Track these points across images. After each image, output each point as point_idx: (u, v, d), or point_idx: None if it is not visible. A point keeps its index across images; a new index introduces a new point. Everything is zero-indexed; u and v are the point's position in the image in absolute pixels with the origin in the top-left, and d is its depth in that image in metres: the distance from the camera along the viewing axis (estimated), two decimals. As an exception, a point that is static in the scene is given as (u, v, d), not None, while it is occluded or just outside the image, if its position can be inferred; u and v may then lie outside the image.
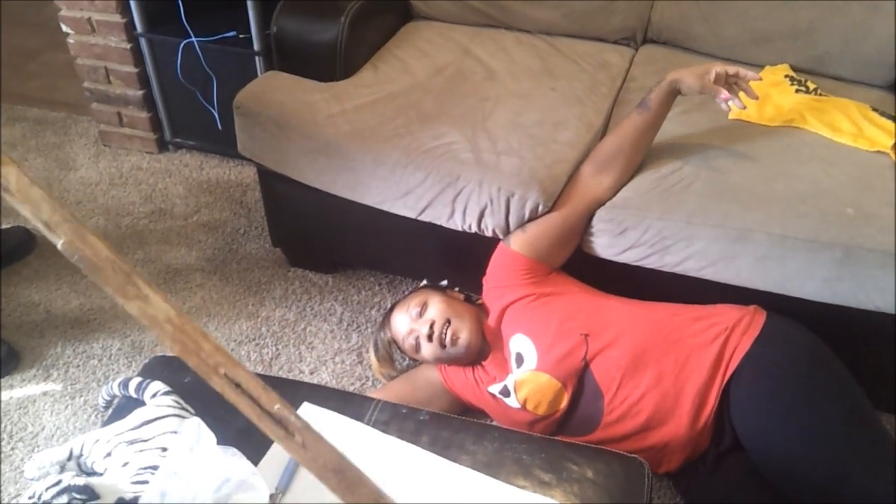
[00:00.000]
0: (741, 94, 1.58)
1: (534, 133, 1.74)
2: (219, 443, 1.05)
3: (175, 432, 1.09)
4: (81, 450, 1.11)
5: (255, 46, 2.23)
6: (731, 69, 1.55)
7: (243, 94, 1.85)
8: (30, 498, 0.99)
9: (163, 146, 2.63)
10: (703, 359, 1.47)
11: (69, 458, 1.11)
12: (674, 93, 1.61)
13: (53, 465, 1.10)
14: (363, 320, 2.01)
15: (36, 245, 2.20)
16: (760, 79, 1.57)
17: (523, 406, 1.53)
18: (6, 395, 1.82)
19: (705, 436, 1.48)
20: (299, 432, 1.00)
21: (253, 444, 1.14)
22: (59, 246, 1.05)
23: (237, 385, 1.01)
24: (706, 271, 1.59)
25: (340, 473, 1.03)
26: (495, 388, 1.58)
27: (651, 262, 1.63)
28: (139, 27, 2.34)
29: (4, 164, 1.04)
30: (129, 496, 1.00)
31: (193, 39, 2.25)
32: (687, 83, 1.57)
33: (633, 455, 1.19)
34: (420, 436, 1.20)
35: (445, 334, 1.59)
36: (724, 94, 1.53)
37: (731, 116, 1.70)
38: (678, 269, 1.61)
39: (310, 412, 1.23)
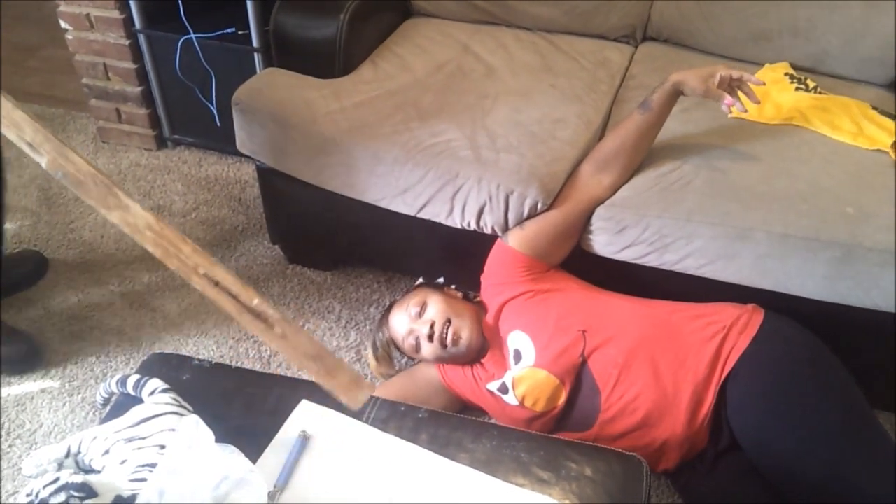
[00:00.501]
0: (742, 96, 1.57)
1: (533, 130, 1.73)
2: (217, 440, 1.04)
3: (173, 430, 1.09)
4: (79, 447, 1.10)
5: (254, 43, 2.22)
6: (735, 73, 1.55)
7: (242, 91, 1.84)
8: (27, 496, 0.99)
9: (161, 143, 2.62)
10: (700, 356, 1.47)
11: (67, 456, 1.10)
12: (676, 94, 1.61)
13: (51, 463, 1.09)
14: (361, 318, 2.01)
15: (49, 268, 2.14)
16: (763, 83, 1.56)
17: (521, 403, 1.53)
18: (4, 392, 1.81)
19: (703, 434, 1.48)
20: (278, 324, 1.02)
21: (251, 442, 1.14)
22: (43, 164, 1.10)
23: (216, 283, 1.06)
24: (705, 269, 1.59)
25: (319, 360, 1.06)
26: (493, 385, 1.58)
27: (650, 261, 1.63)
28: (138, 23, 2.34)
29: None
30: (127, 494, 0.99)
31: (192, 36, 2.25)
32: (690, 86, 1.57)
33: (631, 453, 1.19)
34: (419, 434, 1.20)
35: (446, 334, 1.59)
36: (728, 99, 1.53)
37: (731, 115, 1.70)
38: (677, 268, 1.61)
39: (308, 409, 1.23)
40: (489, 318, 1.64)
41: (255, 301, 1.06)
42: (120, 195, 1.13)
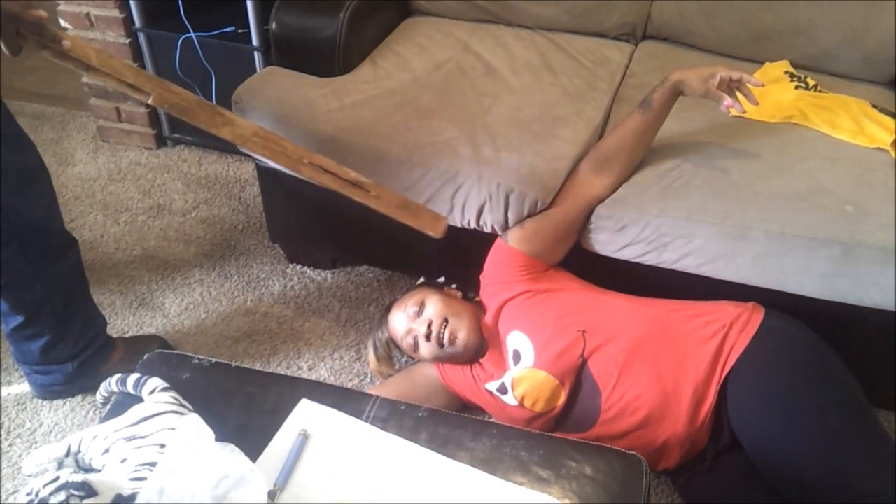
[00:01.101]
0: (741, 97, 1.57)
1: (533, 129, 1.73)
2: (217, 439, 1.04)
3: (173, 429, 1.09)
4: (79, 446, 1.11)
5: (254, 42, 2.22)
6: (735, 74, 1.55)
7: (242, 90, 1.84)
8: (28, 495, 0.99)
9: (161, 142, 2.62)
10: (701, 355, 1.47)
11: (67, 455, 1.11)
12: (676, 94, 1.61)
13: (51, 462, 1.10)
14: (361, 317, 2.01)
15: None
16: (762, 85, 1.57)
17: (520, 403, 1.53)
18: (4, 391, 1.81)
19: (703, 433, 1.48)
20: (372, 188, 1.37)
21: (251, 441, 1.14)
22: (149, 100, 1.29)
23: (320, 167, 1.32)
24: (705, 268, 1.59)
25: (406, 207, 1.46)
26: (493, 386, 1.58)
27: (650, 259, 1.63)
28: (138, 22, 2.34)
29: (83, 46, 1.23)
30: (127, 493, 0.99)
31: (192, 35, 2.25)
32: (691, 86, 1.57)
33: (631, 452, 1.19)
34: (418, 432, 1.20)
35: (443, 333, 1.59)
36: (728, 100, 1.53)
37: (731, 114, 1.70)
38: (677, 266, 1.61)
39: (308, 408, 1.23)
40: (488, 318, 1.64)
41: (352, 174, 1.38)
42: (225, 113, 1.30)
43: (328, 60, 1.91)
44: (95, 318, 1.77)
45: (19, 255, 1.54)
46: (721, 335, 1.48)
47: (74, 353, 1.71)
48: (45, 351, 1.68)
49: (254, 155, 1.90)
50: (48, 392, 1.77)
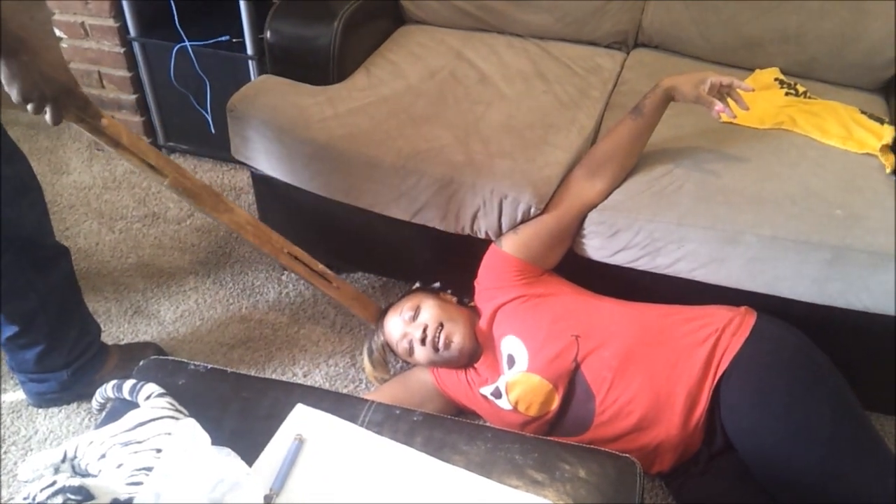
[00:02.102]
0: (731, 102, 1.58)
1: (526, 136, 1.75)
2: (213, 443, 1.05)
3: (169, 434, 1.09)
4: (75, 452, 1.11)
5: (249, 50, 2.23)
6: (726, 80, 1.56)
7: (237, 98, 1.85)
8: (24, 499, 0.99)
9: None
10: (693, 359, 1.47)
11: (63, 460, 1.11)
12: (668, 100, 1.62)
13: (48, 468, 1.09)
14: (356, 323, 2.02)
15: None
16: (752, 89, 1.58)
17: (515, 407, 1.54)
18: (-1, 399, 1.82)
19: (697, 436, 1.49)
20: (334, 280, 1.62)
21: (247, 445, 1.14)
22: (164, 183, 1.46)
23: (294, 257, 1.55)
24: (697, 273, 1.61)
25: (357, 299, 1.79)
26: (487, 390, 1.59)
27: (643, 264, 1.64)
28: (133, 31, 2.35)
29: (116, 125, 1.40)
30: (123, 497, 1.00)
31: (187, 44, 2.26)
32: (682, 91, 1.58)
33: (625, 455, 1.20)
34: (413, 437, 1.21)
35: (438, 338, 1.59)
36: (718, 105, 1.54)
37: (721, 120, 1.71)
38: (669, 271, 1.63)
39: (303, 413, 1.24)
40: (483, 322, 1.65)
41: (320, 266, 1.67)
42: (227, 202, 1.48)
43: (322, 69, 1.92)
44: (89, 326, 1.77)
45: (13, 266, 1.55)
46: (714, 339, 1.49)
47: (69, 360, 1.71)
48: (40, 359, 1.69)
49: (249, 165, 1.92)
50: (43, 400, 1.77)
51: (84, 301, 1.77)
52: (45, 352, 1.68)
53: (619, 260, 1.65)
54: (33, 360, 1.68)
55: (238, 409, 1.25)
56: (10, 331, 1.63)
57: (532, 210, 1.62)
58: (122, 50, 2.38)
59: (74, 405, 1.79)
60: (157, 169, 1.37)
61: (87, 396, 1.74)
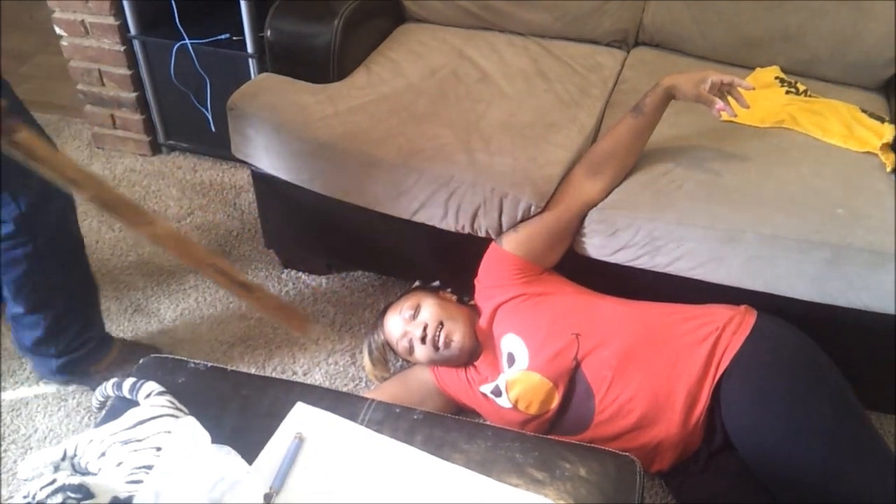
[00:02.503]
0: (732, 101, 1.58)
1: (527, 134, 1.74)
2: (213, 442, 1.05)
3: (169, 432, 1.09)
4: (75, 450, 1.11)
5: (249, 49, 2.23)
6: (727, 78, 1.56)
7: (237, 96, 1.85)
8: (24, 497, 0.99)
9: (156, 148, 2.62)
10: (694, 358, 1.47)
11: (63, 459, 1.11)
12: (668, 98, 1.62)
13: (47, 466, 1.09)
14: (356, 322, 2.02)
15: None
16: (753, 88, 1.58)
17: (515, 406, 1.54)
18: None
19: (697, 435, 1.49)
20: (256, 290, 1.52)
21: (246, 444, 1.14)
22: (85, 198, 1.37)
23: (218, 269, 1.44)
24: (697, 272, 1.61)
25: (280, 308, 1.66)
26: (487, 388, 1.59)
27: (642, 263, 1.64)
28: (133, 29, 2.34)
29: (30, 138, 1.28)
30: (123, 495, 1.00)
31: (187, 42, 2.26)
32: (682, 90, 1.58)
33: (625, 453, 1.20)
34: (414, 435, 1.21)
35: (438, 337, 1.59)
36: (719, 104, 1.54)
37: (721, 118, 1.71)
38: (669, 270, 1.63)
39: (304, 412, 1.23)
40: (483, 321, 1.65)
41: (241, 277, 1.54)
42: (146, 214, 1.43)
43: (323, 67, 1.92)
44: (93, 324, 1.79)
45: (34, 259, 1.59)
46: (714, 337, 1.49)
47: (62, 351, 1.75)
48: (36, 344, 1.73)
49: (249, 163, 1.92)
50: (39, 375, 1.84)
51: (98, 299, 1.81)
52: (42, 339, 1.72)
53: (620, 258, 1.65)
54: (30, 341, 1.73)
55: (238, 407, 1.25)
56: (15, 309, 1.68)
57: (532, 209, 1.62)
58: (122, 48, 2.38)
59: (74, 403, 1.79)
60: (77, 183, 1.34)
61: (85, 385, 1.82)
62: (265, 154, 1.85)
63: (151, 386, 1.21)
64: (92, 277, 1.78)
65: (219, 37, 2.26)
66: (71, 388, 1.83)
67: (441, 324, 1.60)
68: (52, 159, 1.34)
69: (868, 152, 1.71)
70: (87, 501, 0.97)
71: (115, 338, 1.87)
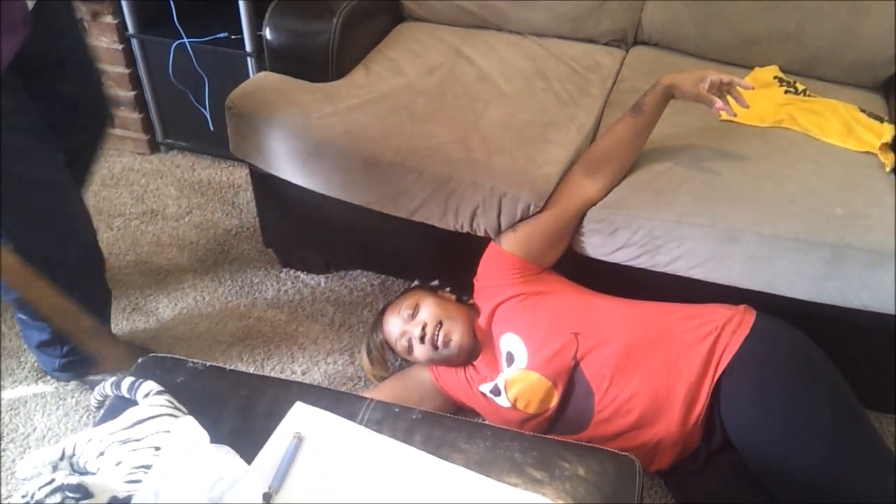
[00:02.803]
0: (731, 100, 1.58)
1: (525, 133, 1.74)
2: (212, 441, 1.05)
3: (168, 431, 1.09)
4: (74, 449, 1.11)
5: (247, 47, 2.23)
6: (726, 77, 1.56)
7: (235, 95, 1.85)
8: (23, 497, 0.99)
9: (154, 147, 2.62)
10: (693, 357, 1.47)
11: (62, 458, 1.10)
12: (668, 97, 1.62)
13: (46, 465, 1.09)
14: (355, 321, 2.02)
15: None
16: (752, 87, 1.58)
17: (513, 405, 1.54)
18: (-3, 396, 1.81)
19: (696, 434, 1.49)
20: (83, 320, 1.60)
21: (245, 444, 1.14)
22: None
23: (50, 304, 1.55)
24: (696, 271, 1.61)
25: (101, 342, 1.73)
26: (486, 388, 1.59)
27: (642, 262, 1.64)
28: (131, 28, 2.34)
29: None
30: (122, 495, 1.00)
31: (185, 40, 2.25)
32: (682, 89, 1.58)
33: (624, 453, 1.20)
34: (413, 435, 1.21)
35: (437, 336, 1.59)
36: (718, 103, 1.55)
37: (721, 118, 1.71)
38: (669, 269, 1.63)
39: (302, 411, 1.23)
40: (482, 320, 1.65)
41: (69, 309, 1.62)
42: None
43: (321, 65, 1.92)
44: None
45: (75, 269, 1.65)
46: (713, 337, 1.49)
47: (65, 353, 1.76)
48: (40, 344, 1.75)
49: (248, 162, 1.91)
50: (42, 369, 1.85)
51: (109, 307, 1.84)
52: (48, 342, 1.74)
53: (619, 258, 1.65)
54: (36, 342, 1.75)
55: (237, 407, 1.25)
56: (21, 315, 1.71)
57: (531, 208, 1.62)
58: (120, 46, 2.38)
59: (73, 403, 1.79)
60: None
61: (85, 383, 1.83)
62: (263, 153, 1.85)
63: (150, 385, 1.21)
64: (105, 286, 1.81)
65: (217, 35, 2.26)
66: (69, 386, 1.83)
67: (440, 323, 1.60)
68: None
69: (867, 152, 1.71)
70: (86, 501, 0.97)
71: (120, 339, 1.87)
